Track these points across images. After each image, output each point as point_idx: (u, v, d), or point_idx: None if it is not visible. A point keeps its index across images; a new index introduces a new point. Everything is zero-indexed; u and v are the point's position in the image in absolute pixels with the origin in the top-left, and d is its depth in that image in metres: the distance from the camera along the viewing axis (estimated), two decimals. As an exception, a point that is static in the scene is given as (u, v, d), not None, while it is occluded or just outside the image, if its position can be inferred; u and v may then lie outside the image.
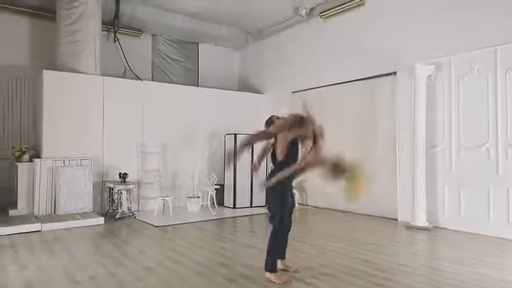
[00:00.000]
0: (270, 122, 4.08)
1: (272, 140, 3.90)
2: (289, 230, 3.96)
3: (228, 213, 7.96)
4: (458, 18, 6.18)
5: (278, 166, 3.80)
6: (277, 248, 3.84)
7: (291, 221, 3.97)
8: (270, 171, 3.94)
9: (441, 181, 6.39)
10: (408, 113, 6.72)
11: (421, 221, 6.26)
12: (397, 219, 6.90)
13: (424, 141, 6.40)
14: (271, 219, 3.85)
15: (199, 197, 8.10)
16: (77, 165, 7.21)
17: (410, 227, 6.28)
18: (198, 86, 10.16)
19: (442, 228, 6.22)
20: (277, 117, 4.07)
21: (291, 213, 3.96)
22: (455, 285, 3.66)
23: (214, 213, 7.65)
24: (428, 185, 6.38)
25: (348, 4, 7.93)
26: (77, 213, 6.92)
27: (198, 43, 10.59)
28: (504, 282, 3.76)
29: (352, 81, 7.91)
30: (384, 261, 4.46)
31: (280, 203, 3.79)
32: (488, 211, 5.77)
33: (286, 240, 3.97)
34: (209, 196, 8.17)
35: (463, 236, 5.72)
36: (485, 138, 5.86)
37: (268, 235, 3.84)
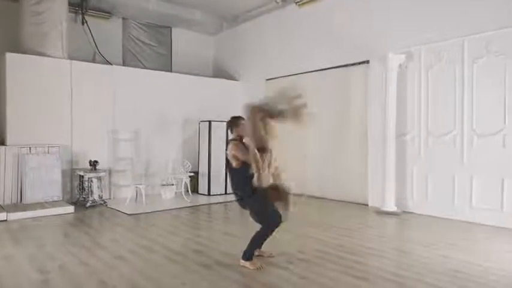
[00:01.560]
0: (232, 123, 4.03)
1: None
2: (280, 223, 3.86)
3: (202, 200, 7.94)
4: (429, 8, 6.32)
5: (238, 173, 3.80)
6: (261, 241, 3.88)
7: (281, 215, 3.83)
8: (235, 185, 3.89)
9: (410, 168, 6.61)
10: (380, 102, 6.87)
11: (391, 206, 6.49)
12: (367, 205, 7.11)
13: (394, 129, 6.59)
14: (262, 223, 3.83)
15: (173, 185, 8.03)
16: (45, 152, 6.94)
17: (380, 212, 6.50)
18: (171, 71, 9.95)
19: (410, 212, 6.48)
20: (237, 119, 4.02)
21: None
22: (421, 266, 3.83)
23: (189, 201, 7.61)
24: (398, 171, 6.60)
25: (323, -9, 7.94)
26: (46, 202, 6.69)
27: (171, 27, 10.33)
28: (467, 262, 3.98)
29: (325, 69, 7.98)
30: (355, 245, 4.60)
31: (262, 207, 3.77)
32: (453, 196, 6.05)
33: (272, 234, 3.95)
34: (183, 183, 8.11)
35: (429, 220, 5.98)
36: (451, 127, 6.09)
37: (250, 225, 3.82)
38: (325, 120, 7.97)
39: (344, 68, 7.66)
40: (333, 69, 7.84)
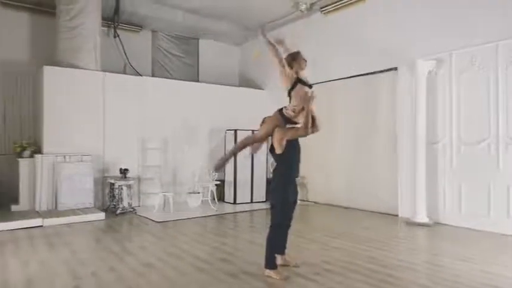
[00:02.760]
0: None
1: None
2: (289, 225, 3.97)
3: (228, 208, 7.97)
4: (460, 13, 6.15)
5: (278, 158, 3.88)
6: (275, 243, 3.86)
7: (292, 217, 3.97)
8: (273, 168, 3.99)
9: (442, 177, 6.39)
10: (409, 109, 6.71)
11: (422, 217, 6.27)
12: (397, 215, 6.91)
13: (425, 137, 6.40)
14: (272, 209, 3.89)
15: (199, 193, 8.12)
16: (78, 160, 7.21)
17: (410, 223, 6.29)
18: (198, 81, 10.14)
19: (443, 224, 6.24)
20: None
21: (293, 208, 3.96)
22: (456, 281, 3.67)
23: (215, 209, 7.67)
24: (429, 181, 6.38)
25: (349, -1, 7.90)
26: (78, 209, 6.93)
27: (198, 39, 10.55)
28: (505, 277, 3.77)
29: (352, 76, 7.88)
30: (386, 257, 4.47)
31: (282, 194, 3.80)
32: (488, 207, 5.78)
33: (286, 236, 3.98)
34: (210, 192, 8.18)
35: (463, 232, 5.73)
36: (486, 134, 5.85)
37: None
38: (353, 129, 7.86)
39: (371, 76, 7.54)
40: (360, 77, 7.74)
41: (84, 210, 6.86)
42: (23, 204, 6.91)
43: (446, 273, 3.89)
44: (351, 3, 7.89)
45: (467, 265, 4.15)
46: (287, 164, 3.83)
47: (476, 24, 5.93)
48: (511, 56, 5.56)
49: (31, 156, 7.10)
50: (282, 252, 3.99)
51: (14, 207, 6.84)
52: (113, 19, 8.85)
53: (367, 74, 7.58)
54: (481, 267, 4.09)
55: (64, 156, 7.11)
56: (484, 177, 5.83)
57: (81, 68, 7.53)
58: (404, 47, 6.87)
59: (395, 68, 7.05)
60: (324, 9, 8.40)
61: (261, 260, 3.97)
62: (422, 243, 5.47)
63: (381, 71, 7.35)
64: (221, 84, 9.77)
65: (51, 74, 7.18)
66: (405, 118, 6.84)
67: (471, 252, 4.65)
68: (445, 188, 6.35)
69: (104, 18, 8.31)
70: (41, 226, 6.03)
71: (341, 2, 8.02)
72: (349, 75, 7.94)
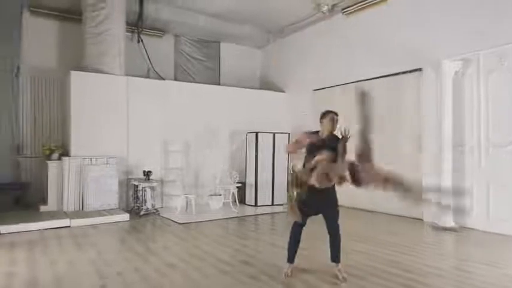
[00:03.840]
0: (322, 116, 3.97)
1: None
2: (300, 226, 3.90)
3: (249, 211, 7.99)
4: (486, 13, 5.96)
5: None
6: (289, 241, 3.93)
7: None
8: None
9: (469, 180, 6.19)
10: (434, 110, 6.55)
11: (448, 221, 6.09)
12: (422, 219, 6.74)
13: (451, 139, 6.22)
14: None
15: (221, 195, 8.17)
16: (104, 163, 7.40)
17: (436, 228, 6.12)
18: (219, 84, 10.23)
19: (470, 228, 6.04)
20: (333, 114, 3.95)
21: (309, 214, 3.87)
22: (484, 287, 3.55)
23: (236, 211, 7.70)
24: (455, 184, 6.19)
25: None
26: (104, 210, 7.11)
27: (219, 42, 10.66)
28: (537, 285, 3.62)
29: (375, 78, 7.76)
30: (412, 262, 4.36)
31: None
32: (518, 212, 5.56)
33: (296, 240, 3.92)
34: (231, 194, 8.23)
35: (491, 237, 5.54)
36: (515, 136, 5.64)
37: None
38: (377, 130, 7.70)
39: (395, 77, 7.41)
40: (383, 78, 7.61)
41: (109, 211, 7.03)
42: (51, 205, 7.15)
43: (475, 280, 3.77)
44: (372, 4, 7.79)
45: (496, 271, 4.00)
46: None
47: (504, 23, 5.73)
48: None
49: (59, 158, 7.35)
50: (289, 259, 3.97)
51: (42, 208, 7.08)
52: (137, 24, 9.06)
53: (391, 75, 7.45)
54: (509, 272, 3.94)
55: (90, 158, 7.31)
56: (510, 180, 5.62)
57: (106, 73, 7.74)
58: (429, 47, 6.72)
59: (420, 69, 6.90)
60: (345, 10, 8.32)
61: (282, 262, 3.97)
62: (448, 248, 5.32)
63: (405, 72, 7.20)
64: (242, 87, 9.83)
65: (77, 79, 7.41)
66: (430, 119, 6.68)
67: (499, 258, 4.49)
68: (472, 192, 6.15)
69: (128, 24, 8.52)
70: (69, 226, 6.22)
71: (363, 2, 7.93)
72: (372, 77, 7.82)
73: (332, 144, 3.75)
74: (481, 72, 6.07)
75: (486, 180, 5.98)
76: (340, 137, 3.66)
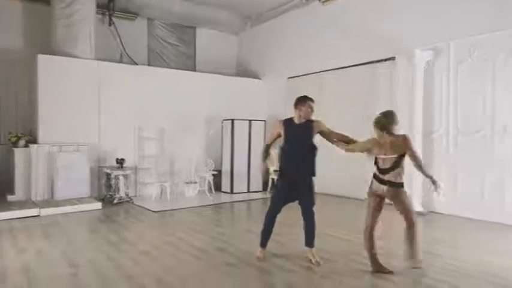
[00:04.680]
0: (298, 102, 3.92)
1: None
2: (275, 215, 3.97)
3: (225, 198, 7.99)
4: (458, 3, 6.11)
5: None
6: (262, 226, 4.02)
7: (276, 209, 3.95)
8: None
9: (437, 167, 6.41)
10: (406, 98, 6.70)
11: (417, 206, 6.30)
12: (392, 204, 6.93)
13: (421, 127, 6.41)
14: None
15: (196, 183, 8.12)
16: (74, 150, 7.18)
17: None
18: (195, 70, 10.07)
19: (438, 213, 6.29)
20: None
21: (284, 201, 3.93)
22: (453, 270, 3.72)
23: (212, 199, 7.69)
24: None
25: (347, -12, 7.82)
26: (75, 199, 6.92)
27: (195, 27, 10.44)
28: (501, 266, 3.83)
29: (349, 66, 7.85)
30: (382, 245, 4.49)
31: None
32: (483, 196, 5.83)
33: (270, 226, 3.97)
34: (206, 182, 8.19)
35: (458, 221, 5.79)
36: (482, 124, 5.87)
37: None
38: (350, 118, 7.84)
39: (369, 65, 7.51)
40: (357, 67, 7.70)
41: (81, 200, 6.85)
42: (19, 194, 6.90)
43: (441, 261, 3.94)
44: (348, -8, 7.82)
45: (461, 253, 4.19)
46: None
47: (475, 13, 5.90)
48: (510, 47, 5.55)
49: (26, 146, 7.06)
50: (262, 243, 4.06)
51: (9, 198, 6.82)
52: (108, 6, 8.74)
53: (365, 63, 7.55)
54: (476, 255, 4.14)
55: (60, 146, 7.07)
56: (479, 167, 5.87)
57: (76, 57, 7.45)
58: (402, 36, 6.83)
59: (393, 58, 7.02)
60: (322, -3, 8.32)
61: (257, 248, 4.00)
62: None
63: (379, 61, 7.31)
64: (218, 74, 9.71)
65: (45, 63, 7.10)
66: (402, 107, 6.82)
67: (466, 241, 4.71)
68: (440, 178, 6.36)
69: (98, 6, 8.20)
70: (38, 216, 6.02)
71: (339, -10, 7.95)
72: (347, 65, 7.90)
73: (308, 130, 3.78)
74: (451, 61, 6.25)
75: (453, 167, 6.21)
76: (314, 121, 3.81)
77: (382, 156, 3.57)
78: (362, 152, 3.79)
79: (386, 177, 3.53)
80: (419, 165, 3.50)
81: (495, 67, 5.71)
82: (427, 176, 3.54)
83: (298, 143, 3.85)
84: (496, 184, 5.69)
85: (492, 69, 5.74)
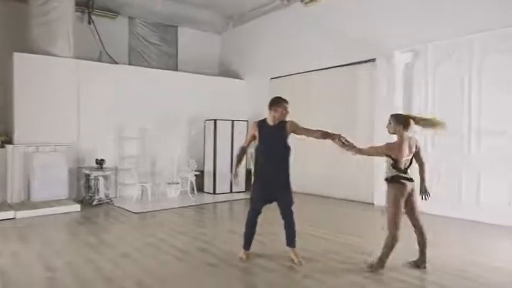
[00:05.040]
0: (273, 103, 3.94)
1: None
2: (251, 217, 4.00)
3: (207, 199, 7.95)
4: (436, 6, 6.26)
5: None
6: (245, 229, 4.02)
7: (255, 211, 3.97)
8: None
9: (416, 166, 6.54)
10: (386, 99, 6.83)
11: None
12: (373, 204, 7.07)
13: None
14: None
15: (178, 183, 8.05)
16: (51, 151, 7.00)
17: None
18: (177, 70, 9.98)
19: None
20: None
21: (262, 202, 3.94)
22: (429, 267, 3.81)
23: (194, 199, 7.63)
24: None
25: (328, -11, 7.90)
26: (52, 200, 6.74)
27: (177, 26, 10.35)
28: (473, 262, 3.94)
29: (331, 67, 7.94)
30: (363, 244, 4.58)
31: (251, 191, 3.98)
32: (459, 195, 5.99)
33: (252, 229, 3.99)
34: (189, 182, 8.12)
35: (435, 219, 5.91)
36: (459, 125, 6.03)
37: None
38: (331, 119, 7.92)
39: (350, 67, 7.61)
40: (339, 68, 7.80)
41: (59, 202, 6.68)
42: (-6, 195, 6.68)
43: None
44: (330, -6, 7.91)
45: (437, 251, 4.29)
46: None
47: (452, 16, 6.06)
48: (486, 49, 5.72)
49: (1, 146, 6.84)
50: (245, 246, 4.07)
51: (-17, 199, 6.60)
52: (87, 4, 8.56)
53: (347, 64, 7.64)
54: (450, 251, 4.25)
55: (37, 146, 6.88)
56: (456, 166, 6.03)
57: (54, 55, 7.26)
58: (382, 38, 6.95)
59: (374, 60, 7.14)
60: (303, -1, 8.38)
61: (240, 248, 4.00)
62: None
63: (359, 62, 7.42)
64: (201, 74, 9.65)
65: (21, 61, 6.90)
66: (382, 109, 6.95)
67: (442, 238, 4.83)
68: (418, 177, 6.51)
69: (77, 4, 8.03)
70: (13, 218, 5.84)
71: (321, -8, 8.02)
72: (329, 66, 7.99)
73: (282, 131, 3.84)
74: (429, 63, 6.40)
75: (431, 166, 6.34)
76: (287, 122, 3.86)
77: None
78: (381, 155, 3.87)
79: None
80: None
81: (472, 69, 5.88)
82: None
83: (272, 144, 3.89)
84: (472, 183, 5.85)
85: (469, 70, 5.91)
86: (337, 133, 3.80)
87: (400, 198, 3.67)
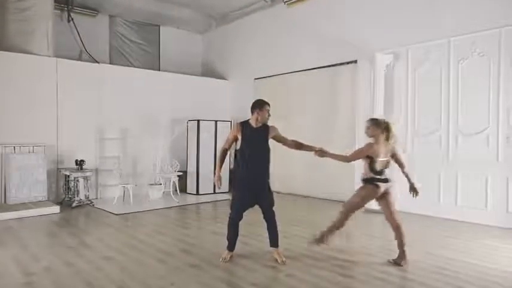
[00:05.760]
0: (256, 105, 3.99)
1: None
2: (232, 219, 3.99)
3: (191, 200, 7.89)
4: (416, 9, 6.40)
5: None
6: (227, 229, 4.03)
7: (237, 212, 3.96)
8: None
9: (396, 167, 6.66)
10: (367, 101, 6.93)
11: (376, 204, 6.52)
12: (355, 203, 7.14)
13: (382, 128, 6.64)
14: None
15: (161, 184, 7.96)
16: (29, 151, 6.82)
17: (367, 211, 6.50)
18: (159, 70, 9.87)
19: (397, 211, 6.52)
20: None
21: (245, 208, 3.95)
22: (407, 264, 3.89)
23: (177, 200, 7.56)
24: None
25: (311, -9, 7.97)
26: (30, 202, 6.57)
27: (159, 26, 10.24)
28: (451, 259, 4.04)
29: (314, 68, 8.01)
30: (345, 243, 4.62)
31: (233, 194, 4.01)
32: (438, 194, 6.14)
33: (235, 232, 4.00)
34: (171, 183, 8.04)
35: (415, 218, 6.05)
36: (437, 126, 6.18)
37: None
38: (314, 120, 8.00)
39: (332, 68, 7.70)
40: (321, 69, 7.88)
41: (37, 204, 6.51)
42: (-32, 198, 6.46)
43: (394, 256, 4.10)
44: (312, -5, 7.97)
45: (417, 248, 4.39)
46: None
47: (430, 19, 6.21)
48: (462, 52, 5.89)
49: (-24, 146, 6.62)
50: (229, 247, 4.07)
51: (-43, 202, 6.37)
52: (67, 1, 8.38)
53: (329, 66, 7.73)
54: (429, 250, 4.36)
55: (13, 146, 6.69)
56: (434, 167, 6.18)
57: (32, 53, 7.08)
58: (364, 40, 7.06)
59: (356, 61, 7.24)
60: (287, 0, 8.42)
61: (223, 249, 3.99)
62: (377, 229, 5.71)
63: (342, 64, 7.51)
64: (183, 73, 9.57)
65: (-3, 59, 6.70)
66: (364, 110, 7.06)
67: (421, 237, 4.94)
68: (400, 177, 6.63)
69: (56, 1, 7.85)
70: (-12, 221, 5.66)
71: (304, -7, 8.08)
72: (310, 67, 8.06)
73: (264, 133, 3.91)
74: (409, 66, 6.54)
75: (411, 166, 6.45)
76: (269, 126, 3.98)
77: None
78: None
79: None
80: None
81: (450, 71, 6.04)
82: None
83: (255, 145, 3.92)
84: (450, 182, 6.01)
85: (447, 73, 6.07)
86: (318, 147, 4.10)
87: (368, 198, 4.02)
